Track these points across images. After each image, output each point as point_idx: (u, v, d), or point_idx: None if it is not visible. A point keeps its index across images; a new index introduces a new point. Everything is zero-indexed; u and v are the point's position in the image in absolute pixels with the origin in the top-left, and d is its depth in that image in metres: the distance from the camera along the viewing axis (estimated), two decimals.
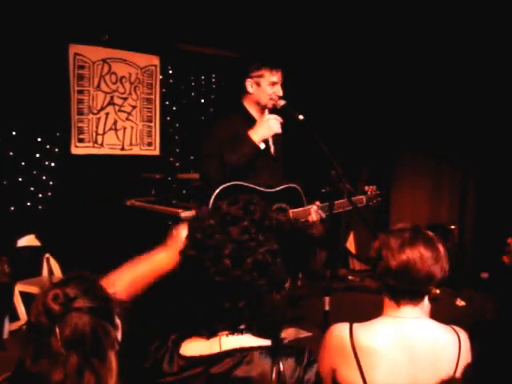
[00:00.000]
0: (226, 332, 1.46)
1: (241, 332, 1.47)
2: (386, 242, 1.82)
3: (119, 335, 1.42)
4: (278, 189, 3.28)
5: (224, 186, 3.08)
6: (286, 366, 1.40)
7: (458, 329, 1.85)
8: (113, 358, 1.33)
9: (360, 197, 3.60)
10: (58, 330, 1.28)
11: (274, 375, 1.38)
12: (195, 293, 1.47)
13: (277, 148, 3.48)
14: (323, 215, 3.28)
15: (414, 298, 1.82)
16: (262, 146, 3.26)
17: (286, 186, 3.32)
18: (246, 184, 3.15)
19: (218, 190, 3.06)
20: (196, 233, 1.46)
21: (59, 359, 1.27)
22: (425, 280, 1.79)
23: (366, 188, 3.68)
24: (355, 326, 1.80)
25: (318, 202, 3.30)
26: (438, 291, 4.78)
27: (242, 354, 1.42)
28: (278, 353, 1.42)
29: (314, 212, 3.26)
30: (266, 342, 1.48)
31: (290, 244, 1.49)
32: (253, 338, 1.48)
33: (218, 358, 1.43)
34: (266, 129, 3.24)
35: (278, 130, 3.28)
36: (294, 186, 3.35)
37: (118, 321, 1.42)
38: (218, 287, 1.41)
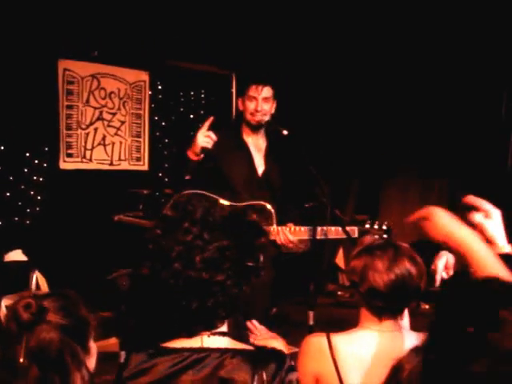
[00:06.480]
0: (207, 332, 1.46)
1: (222, 334, 1.47)
2: (369, 264, 1.75)
3: (92, 361, 1.40)
4: (243, 204, 3.08)
5: (179, 194, 2.94)
6: (267, 370, 1.40)
7: None
8: (78, 381, 1.30)
9: (352, 228, 3.10)
10: (24, 340, 1.27)
11: (255, 380, 1.38)
12: (165, 299, 1.47)
13: (268, 170, 3.33)
14: (291, 238, 3.04)
15: (397, 313, 1.81)
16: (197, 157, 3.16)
17: (254, 202, 3.12)
18: (205, 193, 2.98)
19: (172, 200, 2.94)
20: (149, 244, 1.47)
21: (21, 370, 1.26)
22: (412, 296, 1.79)
23: (368, 223, 3.10)
24: (332, 335, 1.80)
25: (290, 224, 3.09)
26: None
27: (224, 354, 1.42)
28: (260, 357, 1.43)
29: (282, 233, 3.04)
30: (249, 347, 1.49)
31: (242, 236, 1.46)
32: (234, 341, 1.48)
33: (199, 352, 1.43)
34: (193, 143, 3.16)
35: (203, 143, 3.13)
36: (264, 204, 3.12)
37: (92, 345, 1.40)
38: (178, 290, 1.41)
